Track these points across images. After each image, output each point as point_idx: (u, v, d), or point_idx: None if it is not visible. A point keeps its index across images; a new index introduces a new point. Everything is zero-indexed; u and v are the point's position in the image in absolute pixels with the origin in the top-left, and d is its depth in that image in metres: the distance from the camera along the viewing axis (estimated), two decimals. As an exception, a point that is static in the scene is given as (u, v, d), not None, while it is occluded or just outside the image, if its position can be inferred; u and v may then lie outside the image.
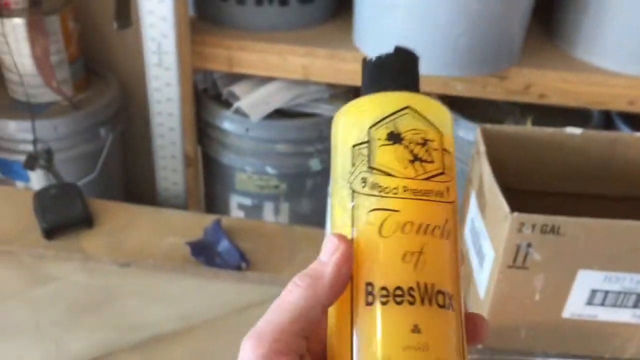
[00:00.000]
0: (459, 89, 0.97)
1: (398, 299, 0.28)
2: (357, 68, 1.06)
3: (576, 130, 0.78)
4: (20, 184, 1.18)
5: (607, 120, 1.09)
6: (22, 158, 1.04)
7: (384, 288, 0.28)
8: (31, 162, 1.01)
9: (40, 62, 1.08)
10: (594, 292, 0.67)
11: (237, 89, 1.02)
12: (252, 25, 1.00)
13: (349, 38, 0.99)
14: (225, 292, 0.78)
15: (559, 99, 0.96)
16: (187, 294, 0.78)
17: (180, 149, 1.03)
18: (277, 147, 1.04)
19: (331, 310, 0.30)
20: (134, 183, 1.39)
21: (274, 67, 0.98)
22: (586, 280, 0.66)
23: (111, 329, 0.70)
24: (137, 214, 0.94)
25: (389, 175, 0.29)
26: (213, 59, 0.98)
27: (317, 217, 1.13)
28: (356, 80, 1.10)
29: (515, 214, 0.62)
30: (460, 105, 1.07)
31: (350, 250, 0.29)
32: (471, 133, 1.03)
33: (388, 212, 0.29)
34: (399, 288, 0.28)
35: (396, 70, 0.32)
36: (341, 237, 0.29)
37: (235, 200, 1.12)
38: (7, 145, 1.14)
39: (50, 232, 0.87)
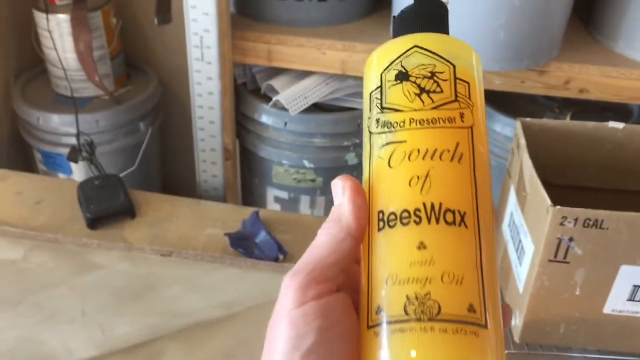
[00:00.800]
0: (497, 83, 0.96)
1: (404, 221, 0.29)
2: (397, 61, 1.03)
3: (618, 125, 0.77)
4: (62, 176, 1.21)
5: (648, 116, 1.07)
6: (65, 151, 1.07)
7: (392, 213, 0.30)
8: (74, 154, 1.03)
9: (83, 57, 1.11)
10: (636, 287, 0.66)
11: (275, 83, 1.03)
12: (292, 20, 1.01)
13: (386, 33, 0.99)
14: (263, 282, 0.79)
15: (599, 94, 0.95)
16: (226, 283, 0.79)
17: (220, 142, 1.04)
18: (314, 140, 1.05)
19: (361, 246, 0.31)
20: (171, 176, 1.41)
21: (312, 62, 0.99)
22: (628, 276, 0.66)
23: (154, 316, 0.72)
24: (178, 205, 0.95)
25: (397, 111, 0.31)
26: (253, 53, 0.99)
27: (352, 211, 1.13)
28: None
29: (557, 207, 0.62)
30: (497, 101, 1.06)
31: (356, 183, 0.31)
32: (508, 128, 1.03)
33: (395, 144, 0.30)
34: (405, 211, 0.29)
35: (412, 17, 0.33)
36: (344, 177, 0.32)
37: (272, 193, 1.13)
38: (50, 138, 1.17)
39: (94, 222, 0.89)
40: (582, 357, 0.73)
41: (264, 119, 1.06)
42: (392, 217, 0.30)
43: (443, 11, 0.34)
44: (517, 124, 0.76)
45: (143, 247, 0.85)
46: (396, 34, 0.34)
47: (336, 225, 0.31)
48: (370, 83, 0.33)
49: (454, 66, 0.32)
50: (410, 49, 0.32)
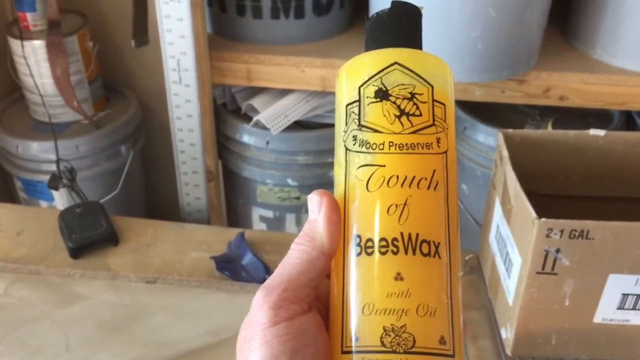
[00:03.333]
0: (478, 94, 0.96)
1: (382, 250, 0.30)
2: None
3: (599, 132, 0.77)
4: (44, 204, 1.19)
5: (628, 120, 1.08)
6: (45, 178, 1.05)
7: (369, 239, 0.30)
8: (55, 181, 1.02)
9: (61, 82, 1.10)
10: (625, 296, 0.66)
11: (256, 102, 1.02)
12: (269, 38, 1.00)
13: (365, 48, 0.99)
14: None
15: (579, 101, 0.96)
16: (214, 309, 0.78)
17: (201, 164, 1.03)
18: (298, 158, 1.04)
19: (332, 262, 0.32)
20: (155, 199, 1.40)
21: (292, 80, 0.98)
22: (617, 285, 0.65)
23: (140, 347, 0.71)
24: (161, 229, 0.94)
25: (376, 131, 0.31)
26: (231, 73, 0.99)
27: (339, 227, 1.13)
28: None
29: (543, 219, 0.61)
30: (480, 110, 1.06)
31: (333, 199, 0.31)
32: (491, 138, 1.03)
33: (374, 167, 0.30)
34: (383, 239, 0.30)
35: (391, 26, 0.33)
36: (321, 193, 0.32)
37: (257, 212, 1.12)
38: (30, 165, 1.15)
39: (77, 252, 0.88)
40: (575, 368, 0.73)
41: (246, 139, 1.05)
42: (370, 244, 0.30)
43: (418, 17, 0.34)
44: (499, 135, 0.76)
45: (127, 275, 0.84)
46: (372, 40, 0.33)
47: (310, 243, 0.31)
48: (346, 94, 0.32)
49: (432, 87, 0.32)
50: (391, 65, 0.32)
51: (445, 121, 0.31)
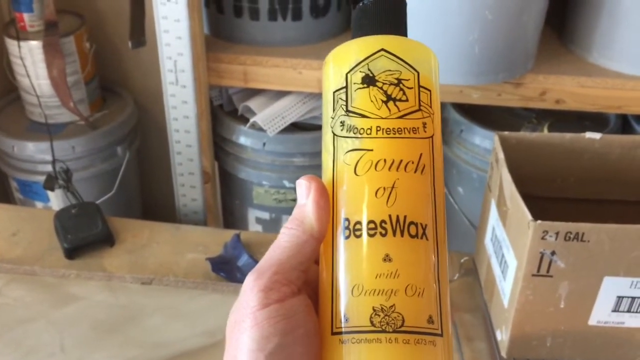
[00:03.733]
0: (475, 97, 0.97)
1: (371, 232, 0.30)
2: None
3: (595, 135, 0.77)
4: (40, 204, 1.19)
5: (624, 123, 1.08)
6: (41, 179, 1.05)
7: (358, 222, 0.31)
8: (50, 182, 1.02)
9: (57, 83, 1.09)
10: (620, 298, 0.66)
11: (252, 104, 1.02)
12: (266, 40, 1.00)
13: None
14: (247, 307, 0.78)
15: (575, 104, 0.96)
16: (210, 310, 0.78)
17: (198, 166, 1.03)
18: (294, 160, 1.04)
19: (321, 246, 0.32)
20: (151, 200, 1.39)
21: (289, 81, 0.98)
22: (612, 287, 0.66)
23: (136, 348, 0.71)
24: (157, 230, 0.94)
25: (364, 117, 0.31)
26: (228, 75, 0.99)
27: (335, 229, 1.13)
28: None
29: (539, 222, 0.61)
30: (476, 113, 1.06)
31: (321, 184, 0.32)
32: (487, 141, 1.03)
33: (362, 151, 0.31)
34: (372, 222, 0.30)
35: (377, 14, 0.33)
36: (309, 178, 0.32)
37: (253, 214, 1.12)
38: (26, 166, 1.15)
39: (72, 252, 0.88)
40: (570, 370, 0.73)
41: (242, 140, 1.05)
42: (358, 226, 0.31)
43: (404, 6, 0.34)
44: (495, 138, 0.76)
45: (123, 276, 0.84)
46: (358, 28, 0.34)
47: (299, 227, 0.32)
48: (333, 81, 0.33)
49: (418, 73, 0.32)
50: (377, 52, 0.32)
51: (430, 107, 0.32)
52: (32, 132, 1.15)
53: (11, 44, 1.08)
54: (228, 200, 1.18)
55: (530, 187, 0.73)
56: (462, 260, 0.87)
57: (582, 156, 0.79)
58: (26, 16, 1.08)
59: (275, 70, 0.97)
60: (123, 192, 1.20)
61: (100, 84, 1.23)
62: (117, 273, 0.85)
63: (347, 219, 0.31)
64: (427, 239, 0.31)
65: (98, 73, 1.21)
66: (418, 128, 0.31)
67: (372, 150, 0.31)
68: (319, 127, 1.07)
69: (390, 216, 0.30)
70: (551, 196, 0.82)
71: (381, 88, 0.32)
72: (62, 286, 0.80)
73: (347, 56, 0.33)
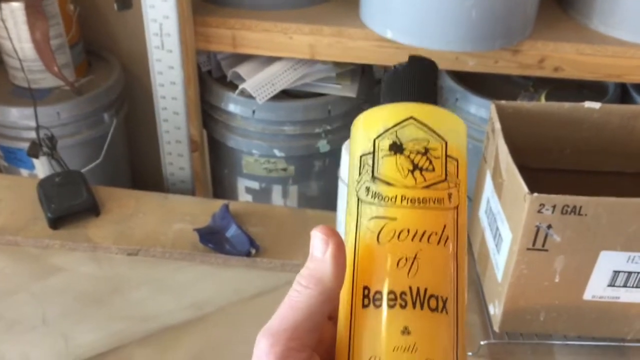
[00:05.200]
0: (471, 65, 0.94)
1: (391, 303, 0.30)
2: (365, 45, 1.03)
3: (595, 105, 0.75)
4: (25, 172, 1.17)
5: (623, 93, 1.06)
6: (25, 145, 1.02)
7: (378, 292, 0.30)
8: (34, 149, 0.99)
9: (40, 46, 1.06)
10: (616, 273, 0.65)
11: (242, 70, 0.99)
12: (256, 3, 0.97)
13: (355, 15, 0.96)
14: (235, 279, 0.77)
15: (574, 72, 0.93)
16: (197, 282, 0.76)
17: (185, 134, 1.00)
18: (284, 129, 1.02)
19: (340, 311, 0.32)
20: (140, 168, 1.37)
21: (279, 47, 0.95)
22: (608, 262, 0.64)
23: (121, 321, 0.69)
24: (144, 200, 0.92)
25: (389, 184, 0.31)
26: (216, 39, 0.95)
27: (326, 199, 1.11)
28: (364, 58, 1.06)
29: (535, 194, 0.60)
30: (472, 81, 1.04)
31: (340, 240, 0.31)
32: (483, 109, 1.00)
33: (386, 220, 0.31)
34: (392, 292, 0.30)
35: (408, 80, 0.33)
36: (326, 230, 0.31)
37: (242, 184, 1.10)
38: (9, 132, 1.12)
39: (56, 222, 0.86)
40: (563, 344, 0.72)
41: (232, 108, 1.02)
42: (378, 296, 0.30)
43: (435, 72, 0.34)
44: (492, 107, 0.73)
45: (108, 247, 0.82)
46: (388, 92, 0.34)
47: (316, 287, 0.31)
48: (361, 144, 0.33)
49: (446, 143, 0.32)
50: (406, 119, 0.32)
51: (457, 176, 0.32)
52: (15, 97, 1.12)
53: (-9, 6, 1.04)
54: (217, 170, 1.15)
55: (526, 157, 0.71)
56: (455, 232, 0.85)
57: (580, 126, 0.77)
58: (6, -24, 1.04)
59: (265, 35, 0.94)
60: (111, 160, 1.18)
61: (86, 48, 1.19)
62: (103, 244, 0.83)
63: (367, 287, 0.31)
64: (447, 312, 0.30)
65: (83, 36, 1.17)
66: (443, 199, 0.31)
67: (396, 219, 0.31)
68: (310, 95, 1.04)
69: (410, 288, 0.30)
70: (546, 167, 0.80)
71: (408, 157, 0.31)
72: (45, 257, 0.79)
73: (376, 121, 0.33)
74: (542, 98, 1.00)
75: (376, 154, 0.32)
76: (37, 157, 1.02)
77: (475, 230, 0.80)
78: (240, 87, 0.98)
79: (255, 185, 1.09)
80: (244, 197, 1.11)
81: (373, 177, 0.31)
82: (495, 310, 0.71)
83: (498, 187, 0.70)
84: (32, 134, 1.03)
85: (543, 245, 0.63)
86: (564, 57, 0.92)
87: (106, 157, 1.15)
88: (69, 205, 0.87)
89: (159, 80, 0.94)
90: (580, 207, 0.60)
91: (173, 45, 0.91)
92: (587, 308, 0.68)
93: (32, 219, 0.87)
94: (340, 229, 0.77)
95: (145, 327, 0.68)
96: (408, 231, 0.30)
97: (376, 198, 0.31)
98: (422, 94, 0.33)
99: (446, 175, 0.31)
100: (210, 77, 1.06)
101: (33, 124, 1.03)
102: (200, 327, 0.69)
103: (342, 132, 1.06)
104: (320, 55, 0.96)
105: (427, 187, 0.31)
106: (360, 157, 0.32)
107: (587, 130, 0.77)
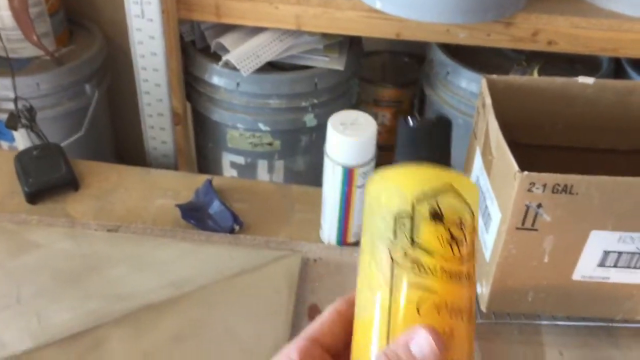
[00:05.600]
0: (462, 37, 0.91)
1: None
2: (353, 16, 0.99)
3: (588, 80, 0.73)
4: (5, 144, 1.14)
5: (617, 67, 1.04)
6: (4, 117, 0.99)
7: None
8: (13, 121, 0.96)
9: (18, 14, 1.03)
10: (606, 253, 0.64)
11: (226, 40, 0.96)
12: (241, -29, 0.93)
13: (344, -17, 0.93)
14: (217, 256, 0.75)
15: (568, 46, 0.91)
16: (178, 260, 0.74)
17: (168, 106, 0.97)
18: (270, 102, 0.99)
19: None
20: (125, 142, 1.34)
21: (264, 17, 0.92)
22: (598, 241, 0.63)
23: (98, 299, 0.67)
24: (125, 174, 0.89)
25: (430, 253, 0.31)
26: (199, 8, 0.92)
27: (312, 174, 1.09)
28: (352, 29, 1.02)
29: (525, 173, 0.58)
30: (463, 54, 1.01)
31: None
32: (474, 84, 0.98)
33: (426, 292, 0.31)
34: None
35: (434, 140, 0.34)
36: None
37: (227, 158, 1.08)
38: (-13, 103, 1.09)
39: (34, 197, 0.83)
40: (551, 324, 0.71)
41: (215, 80, 0.99)
42: None
43: (451, 130, 0.35)
44: (483, 82, 0.71)
45: (87, 222, 0.80)
46: (410, 148, 0.34)
47: None
48: (392, 200, 0.32)
49: (474, 216, 0.33)
50: (446, 188, 0.32)
51: (477, 251, 0.33)
52: (-7, 66, 1.09)
53: (-35, -29, 1.01)
54: (202, 144, 1.13)
55: (517, 133, 0.69)
56: (443, 210, 0.84)
57: (573, 102, 0.75)
58: (-19, -60, 1.00)
59: (250, 4, 0.91)
60: (93, 133, 1.15)
61: (67, 16, 1.16)
62: (82, 219, 0.81)
63: None
64: None
65: (64, 5, 1.14)
66: (471, 274, 0.32)
67: (436, 292, 0.31)
68: (296, 67, 1.01)
69: None
70: (538, 144, 0.78)
71: (447, 227, 0.32)
72: (21, 233, 0.76)
73: (413, 181, 0.33)
74: (535, 72, 0.98)
75: (415, 217, 0.32)
76: (15, 129, 0.99)
77: (464, 208, 0.78)
78: (224, 58, 0.95)
79: (240, 160, 1.07)
80: (229, 172, 1.09)
81: (412, 242, 0.31)
82: (483, 290, 0.69)
83: (487, 165, 0.68)
84: (11, 105, 1.00)
85: (532, 225, 0.62)
86: (558, 30, 0.90)
87: (88, 129, 1.12)
88: (47, 179, 0.85)
89: (139, 51, 0.91)
90: (572, 186, 0.59)
91: (153, 13, 0.87)
92: (576, 288, 0.67)
93: (9, 194, 0.84)
94: (326, 206, 0.75)
95: (122, 306, 0.66)
96: (446, 305, 0.31)
97: (415, 265, 0.31)
98: (448, 154, 0.34)
99: (473, 247, 0.32)
100: (194, 48, 1.03)
101: (11, 94, 1.00)
102: (179, 306, 0.68)
103: (330, 106, 1.03)
104: (307, 26, 0.93)
105: (462, 260, 0.31)
106: (395, 215, 0.32)
107: (580, 106, 0.75)
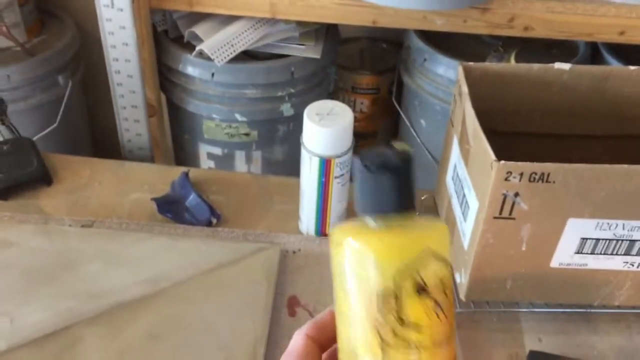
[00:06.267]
0: (439, 24, 0.90)
1: None
2: (328, 4, 0.97)
3: (565, 66, 0.72)
4: (-24, 139, 1.11)
5: (594, 53, 1.04)
6: (-27, 111, 0.97)
7: None
8: (-17, 115, 0.94)
9: (-14, 5, 1.00)
10: (583, 240, 0.64)
11: (199, 30, 0.94)
12: (213, -42, 0.92)
13: (319, -30, 0.91)
14: (194, 251, 0.73)
15: (544, 32, 0.91)
16: (154, 255, 0.73)
17: (141, 98, 0.96)
18: (246, 92, 0.98)
19: None
20: (101, 134, 1.32)
21: (238, 5, 0.91)
22: (576, 229, 0.62)
23: (72, 298, 0.66)
24: (99, 168, 0.88)
25: (418, 329, 0.31)
26: (171, -3, 0.90)
27: (291, 164, 1.08)
28: (328, 16, 1.01)
29: (502, 162, 0.57)
30: (441, 41, 1.00)
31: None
32: (451, 70, 0.98)
33: None
34: None
35: (397, 182, 0.31)
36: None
37: (204, 149, 1.06)
38: (-44, 97, 1.06)
39: (6, 192, 0.82)
40: (530, 311, 0.71)
41: (190, 70, 0.97)
42: None
43: (413, 163, 0.32)
44: (459, 69, 0.70)
45: (61, 218, 0.78)
46: (373, 195, 0.31)
47: None
48: (370, 274, 0.31)
49: (450, 266, 0.32)
50: (424, 253, 0.31)
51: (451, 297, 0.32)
52: (-40, 59, 1.06)
53: None
54: (178, 135, 1.11)
55: (494, 121, 0.68)
56: (422, 198, 0.83)
57: (550, 88, 0.74)
58: None
59: (223, -7, 0.89)
60: (67, 125, 1.13)
61: (38, 6, 1.13)
62: (55, 215, 0.79)
63: None
64: None
65: (34, -6, 1.11)
66: (453, 332, 0.32)
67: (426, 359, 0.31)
68: (272, 56, 1.00)
69: None
70: (514, 131, 0.78)
71: (431, 296, 0.31)
72: (-8, 231, 0.74)
73: (390, 251, 0.31)
74: (512, 58, 0.97)
75: (400, 294, 0.31)
76: (-14, 123, 0.97)
77: (442, 196, 0.78)
78: (198, 48, 0.94)
79: (217, 150, 1.05)
80: (207, 163, 1.08)
81: (400, 320, 0.31)
82: (462, 279, 0.69)
83: (465, 153, 0.68)
84: (-20, 99, 0.98)
85: (510, 214, 0.61)
86: (534, 15, 0.89)
87: (62, 122, 1.10)
88: (18, 175, 0.83)
89: (110, 42, 0.89)
90: (549, 174, 0.58)
91: (124, 3, 0.85)
92: (554, 275, 0.67)
93: (-20, 190, 0.82)
94: (304, 197, 0.74)
95: (97, 304, 0.65)
96: None
97: (407, 344, 0.31)
98: (412, 198, 0.32)
99: (454, 300, 0.32)
100: (167, 38, 1.01)
101: (-19, 88, 0.98)
102: (155, 303, 0.67)
103: (307, 95, 1.02)
104: (282, 14, 0.91)
105: (446, 322, 0.31)
106: (378, 292, 0.31)
107: (556, 92, 0.74)
